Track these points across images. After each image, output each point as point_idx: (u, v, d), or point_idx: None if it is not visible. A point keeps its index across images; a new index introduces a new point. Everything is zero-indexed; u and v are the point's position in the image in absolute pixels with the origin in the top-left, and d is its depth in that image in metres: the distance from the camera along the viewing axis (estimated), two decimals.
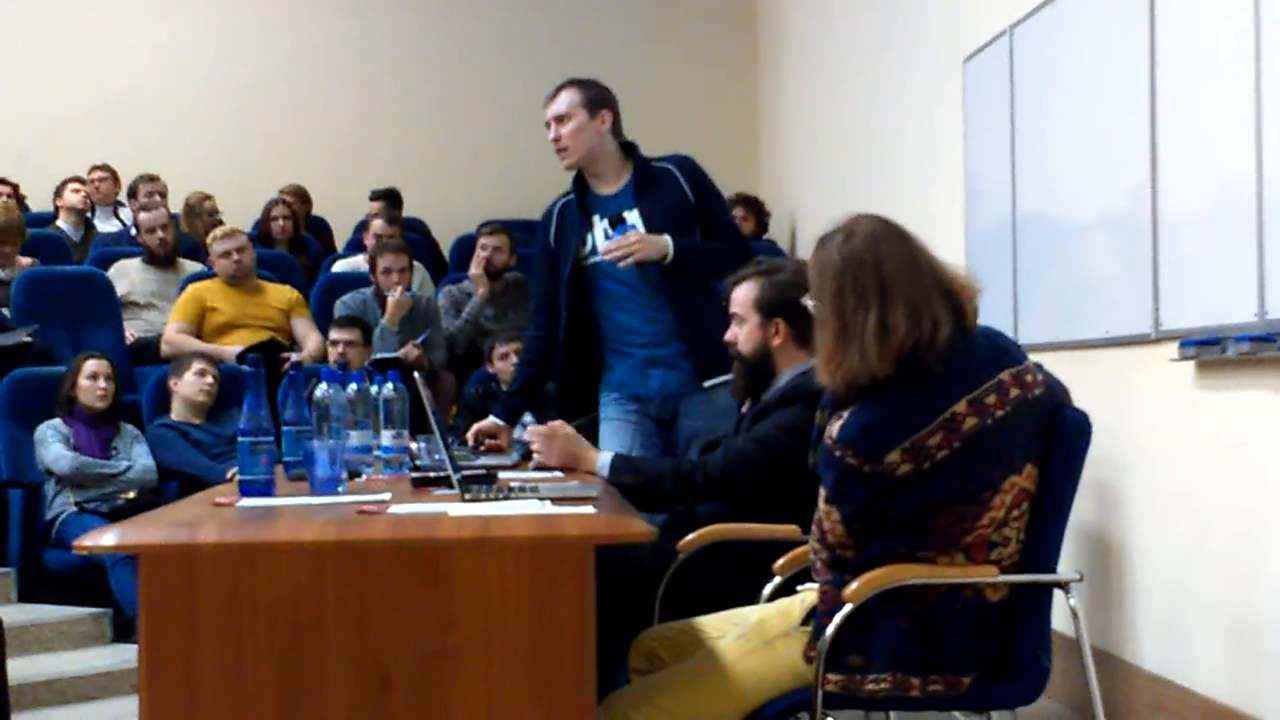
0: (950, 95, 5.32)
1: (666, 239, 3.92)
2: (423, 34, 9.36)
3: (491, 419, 4.14)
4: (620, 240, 3.94)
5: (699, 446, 3.81)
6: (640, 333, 4.03)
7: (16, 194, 7.97)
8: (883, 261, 2.44)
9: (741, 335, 3.27)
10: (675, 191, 4.02)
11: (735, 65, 9.32)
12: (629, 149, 4.11)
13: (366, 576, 2.04)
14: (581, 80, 4.13)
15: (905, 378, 2.40)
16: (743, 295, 3.27)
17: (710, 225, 4.04)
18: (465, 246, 7.81)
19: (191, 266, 7.06)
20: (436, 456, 3.16)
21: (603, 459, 3.23)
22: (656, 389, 4.03)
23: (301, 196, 8.47)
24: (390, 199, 8.12)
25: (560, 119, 4.08)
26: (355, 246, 8.03)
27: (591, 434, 3.98)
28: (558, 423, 3.41)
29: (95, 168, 8.37)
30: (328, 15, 9.36)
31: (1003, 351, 2.49)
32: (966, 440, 2.36)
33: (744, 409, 3.36)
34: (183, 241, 7.36)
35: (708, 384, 3.94)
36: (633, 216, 4.03)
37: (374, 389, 3.27)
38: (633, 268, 3.94)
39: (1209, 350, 3.46)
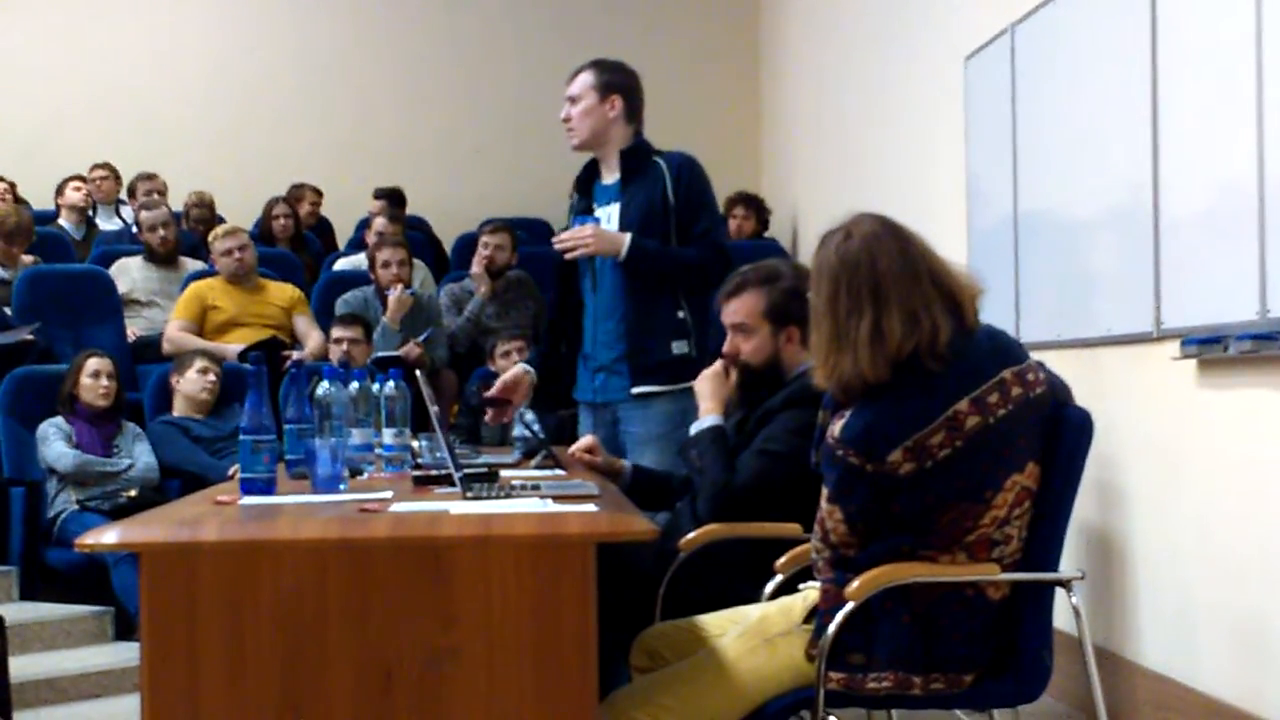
0: (952, 94, 5.31)
1: (624, 238, 3.85)
2: (424, 33, 9.36)
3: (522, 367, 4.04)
4: (573, 231, 3.89)
5: (662, 451, 3.80)
6: (592, 332, 4.01)
7: (14, 191, 7.97)
8: (878, 265, 2.43)
9: (749, 348, 3.17)
10: (657, 189, 3.92)
11: (737, 63, 9.32)
12: (636, 137, 4.03)
13: (368, 575, 2.04)
14: (603, 62, 4.05)
15: (906, 378, 2.40)
16: (747, 306, 3.16)
17: (685, 230, 3.91)
18: (467, 245, 7.81)
19: (193, 264, 7.06)
20: (438, 455, 3.16)
21: (712, 418, 3.16)
22: (599, 392, 4.01)
23: (318, 195, 8.47)
24: (394, 198, 8.13)
25: (572, 99, 4.02)
26: (357, 245, 8.04)
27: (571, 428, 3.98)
28: (719, 366, 3.27)
29: (96, 166, 8.37)
30: (329, 14, 9.36)
31: (1004, 350, 2.49)
32: (969, 439, 2.36)
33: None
34: (184, 240, 7.36)
35: (635, 391, 3.90)
36: (608, 210, 3.98)
37: (375, 387, 3.26)
38: (601, 262, 3.91)
39: (1211, 348, 3.46)
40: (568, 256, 3.91)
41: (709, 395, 3.21)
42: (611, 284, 3.94)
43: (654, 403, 3.88)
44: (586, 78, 4.01)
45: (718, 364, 3.25)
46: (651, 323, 3.89)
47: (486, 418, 4.11)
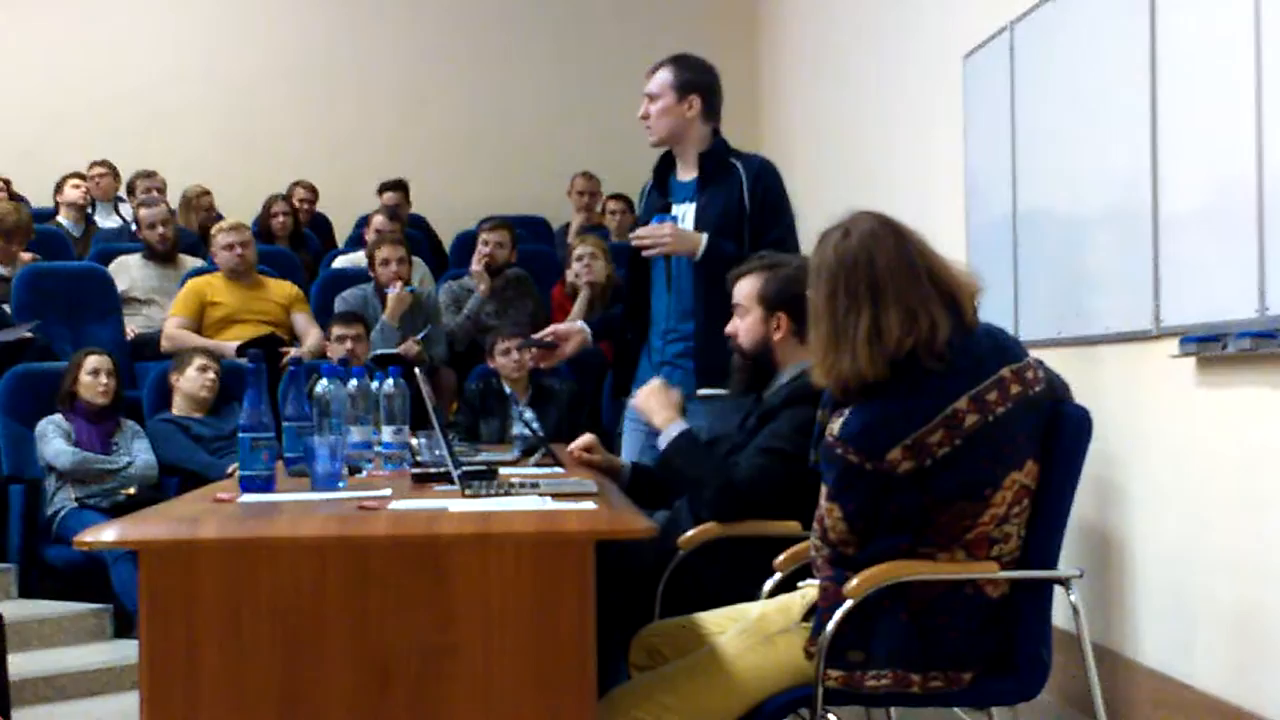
0: (951, 91, 5.31)
1: (701, 238, 3.86)
2: (423, 31, 9.36)
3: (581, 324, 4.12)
4: (652, 229, 3.89)
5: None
6: (661, 327, 4.02)
7: (9, 189, 7.96)
8: (876, 263, 2.44)
9: (743, 328, 3.23)
10: (734, 192, 3.93)
11: (736, 61, 9.26)
12: (715, 136, 4.04)
13: (367, 572, 2.04)
14: (682, 59, 4.06)
15: (905, 376, 2.40)
16: (746, 288, 3.22)
17: (758, 235, 3.91)
18: (466, 243, 7.81)
19: (192, 262, 7.06)
20: (437, 452, 3.16)
21: (672, 428, 3.13)
22: None
23: (311, 192, 8.48)
24: (400, 189, 8.18)
25: (651, 96, 4.02)
26: (356, 242, 8.04)
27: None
28: (655, 382, 3.31)
29: (95, 164, 8.37)
30: (328, 11, 9.37)
31: (1003, 348, 2.49)
32: (968, 437, 2.36)
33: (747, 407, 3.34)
34: (183, 237, 7.36)
35: (701, 393, 3.90)
36: (683, 208, 3.99)
37: (374, 385, 3.26)
38: (677, 261, 3.92)
39: (1210, 346, 3.46)
40: (645, 254, 3.92)
41: (659, 408, 3.21)
42: (686, 284, 3.95)
43: (717, 402, 3.89)
44: (665, 76, 4.01)
45: (654, 381, 3.28)
46: (721, 326, 3.89)
47: (529, 356, 4.12)
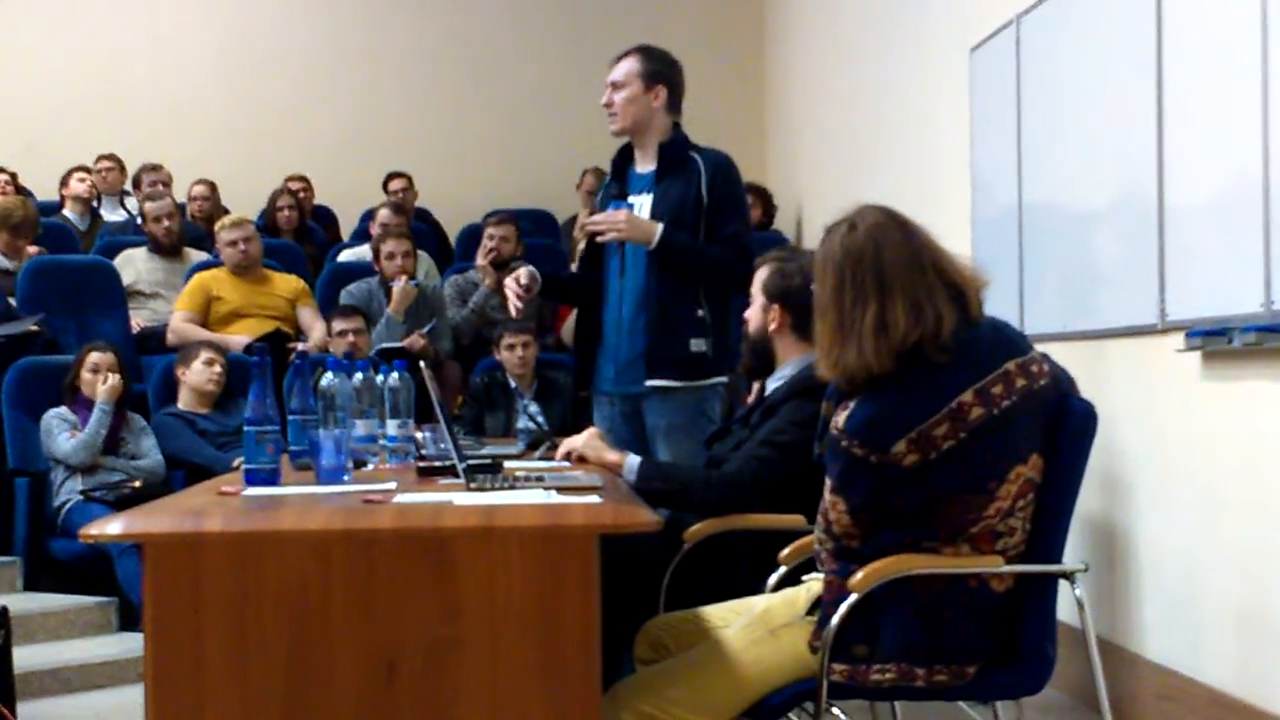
0: (957, 85, 5.31)
1: (657, 227, 3.85)
2: (430, 24, 9.36)
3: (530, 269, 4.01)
4: (607, 215, 3.89)
5: (682, 442, 3.81)
6: (615, 321, 4.01)
7: (15, 182, 7.97)
8: (883, 256, 2.43)
9: (750, 314, 3.26)
10: (691, 185, 3.92)
11: (743, 54, 9.30)
12: (675, 129, 4.04)
13: (372, 565, 2.04)
14: (648, 49, 4.04)
15: (910, 369, 2.40)
16: (759, 275, 3.25)
17: (714, 229, 3.91)
18: (472, 236, 7.82)
19: (197, 256, 7.07)
20: (442, 446, 3.16)
21: (630, 462, 3.15)
22: (613, 381, 4.01)
23: (304, 182, 8.48)
24: (406, 178, 8.25)
25: (616, 85, 4.00)
26: (361, 236, 8.04)
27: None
28: (590, 430, 3.32)
29: (101, 157, 8.37)
30: (335, 4, 9.36)
31: (1009, 342, 2.49)
32: (973, 430, 2.36)
33: (750, 399, 3.36)
34: (188, 231, 7.36)
35: (650, 384, 3.90)
36: (640, 199, 3.98)
37: (380, 378, 3.26)
38: (631, 251, 3.91)
39: (1215, 340, 3.46)
40: (599, 240, 3.92)
41: (605, 451, 3.19)
42: (640, 273, 3.94)
43: (672, 395, 3.89)
44: (632, 65, 4.00)
45: (575, 441, 3.24)
46: (673, 318, 3.89)
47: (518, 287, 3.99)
